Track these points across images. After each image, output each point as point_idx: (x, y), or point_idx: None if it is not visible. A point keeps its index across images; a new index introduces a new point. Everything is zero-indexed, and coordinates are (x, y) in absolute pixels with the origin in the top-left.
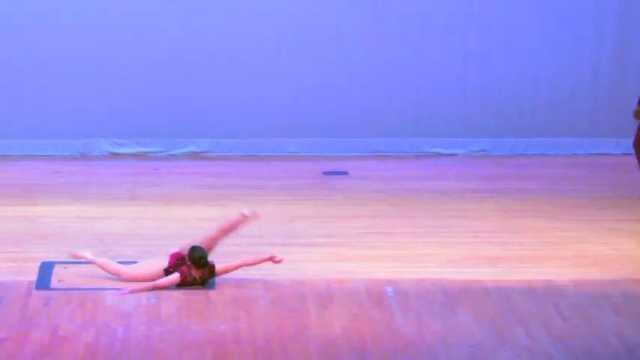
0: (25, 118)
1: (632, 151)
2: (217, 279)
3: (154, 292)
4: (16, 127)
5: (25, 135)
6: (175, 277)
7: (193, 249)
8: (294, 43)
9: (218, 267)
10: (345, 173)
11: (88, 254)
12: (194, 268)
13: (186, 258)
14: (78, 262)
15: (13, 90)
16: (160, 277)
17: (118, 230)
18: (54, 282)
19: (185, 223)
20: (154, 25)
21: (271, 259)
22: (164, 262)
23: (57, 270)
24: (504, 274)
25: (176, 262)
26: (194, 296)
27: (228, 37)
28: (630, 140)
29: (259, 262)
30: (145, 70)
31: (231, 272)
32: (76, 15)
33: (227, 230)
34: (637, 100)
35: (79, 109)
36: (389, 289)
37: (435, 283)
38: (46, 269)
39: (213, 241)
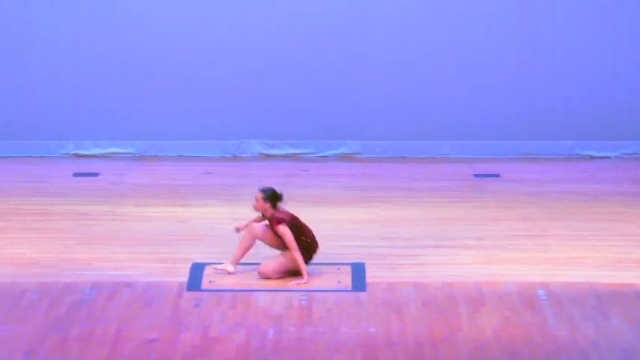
0: (178, 120)
1: None
2: (369, 281)
3: (305, 294)
4: (169, 128)
5: (177, 136)
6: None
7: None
8: (447, 47)
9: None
10: (496, 176)
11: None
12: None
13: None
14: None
15: (167, 93)
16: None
17: None
18: (205, 283)
19: (335, 224)
20: (308, 27)
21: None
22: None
23: (208, 271)
24: None
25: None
26: (345, 298)
27: (380, 39)
28: None
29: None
30: (296, 72)
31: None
32: (231, 18)
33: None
34: None
35: (231, 111)
36: (540, 291)
37: (587, 287)
38: (197, 270)
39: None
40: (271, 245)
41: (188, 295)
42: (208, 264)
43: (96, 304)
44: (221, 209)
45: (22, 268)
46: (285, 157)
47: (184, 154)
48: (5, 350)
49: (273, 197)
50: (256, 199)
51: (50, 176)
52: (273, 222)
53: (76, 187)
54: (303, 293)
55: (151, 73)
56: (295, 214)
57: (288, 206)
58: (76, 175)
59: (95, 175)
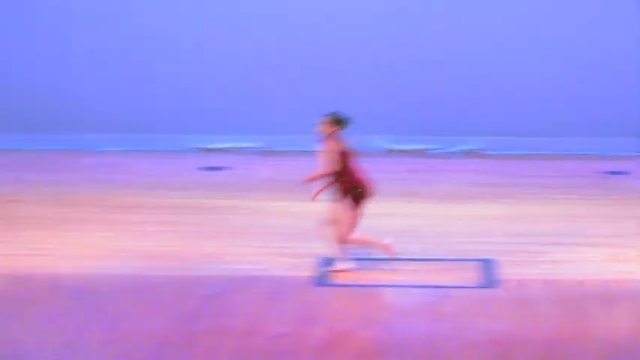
0: (305, 115)
1: None
2: (499, 278)
3: (434, 289)
4: (296, 123)
5: (304, 131)
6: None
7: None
8: (573, 44)
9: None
10: (626, 173)
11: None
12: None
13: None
14: (357, 258)
15: (294, 88)
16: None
17: (396, 227)
18: (333, 278)
19: (464, 221)
20: (438, 24)
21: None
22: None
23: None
24: None
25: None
26: (474, 294)
27: (506, 36)
28: None
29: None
30: (423, 68)
31: None
32: (360, 14)
33: None
34: None
35: (357, 106)
36: None
37: None
38: (325, 265)
39: None
40: None
41: (317, 290)
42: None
43: (226, 297)
44: None
45: (152, 262)
46: (410, 152)
47: (309, 149)
48: (136, 343)
49: (338, 122)
50: (322, 124)
51: (178, 170)
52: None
53: (203, 180)
54: (433, 289)
55: (279, 67)
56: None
57: (413, 202)
58: (204, 169)
59: (222, 169)
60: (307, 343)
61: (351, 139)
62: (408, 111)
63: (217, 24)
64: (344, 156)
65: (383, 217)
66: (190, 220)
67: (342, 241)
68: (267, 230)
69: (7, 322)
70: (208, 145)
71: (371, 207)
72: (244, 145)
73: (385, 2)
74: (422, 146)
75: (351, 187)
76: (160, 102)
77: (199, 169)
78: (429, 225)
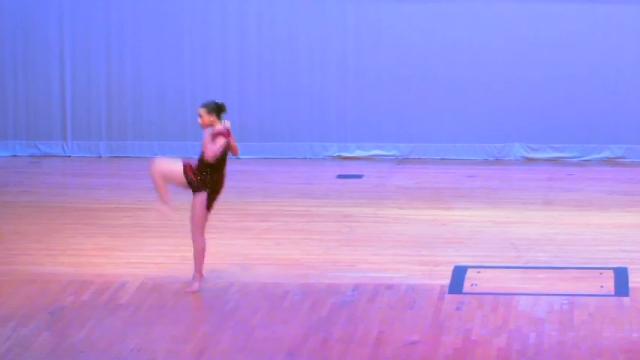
0: (440, 123)
1: None
2: (632, 286)
3: (566, 297)
4: (432, 131)
5: (440, 139)
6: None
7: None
8: None
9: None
10: None
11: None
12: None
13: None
14: (491, 266)
15: (430, 96)
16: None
17: (531, 235)
18: (466, 286)
19: (600, 229)
20: (571, 36)
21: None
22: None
23: (470, 274)
24: None
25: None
26: (607, 302)
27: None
28: None
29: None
30: (563, 78)
31: None
32: (500, 26)
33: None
34: None
35: (495, 114)
36: None
37: None
38: (459, 273)
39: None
40: None
41: (450, 298)
42: (470, 267)
43: (358, 305)
44: (483, 212)
45: (285, 269)
46: (548, 160)
47: (447, 157)
48: (267, 351)
49: (217, 109)
50: (200, 115)
51: (314, 178)
52: (222, 133)
53: (340, 188)
54: (564, 297)
55: (413, 76)
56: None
57: (549, 210)
58: (339, 177)
59: (359, 177)
60: (439, 351)
61: (489, 147)
62: (546, 119)
63: (356, 33)
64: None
65: (518, 224)
66: (325, 228)
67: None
68: (401, 238)
69: (138, 331)
70: (346, 153)
71: (507, 215)
72: (381, 153)
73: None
74: (560, 154)
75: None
76: (297, 110)
77: (338, 176)
78: (564, 233)
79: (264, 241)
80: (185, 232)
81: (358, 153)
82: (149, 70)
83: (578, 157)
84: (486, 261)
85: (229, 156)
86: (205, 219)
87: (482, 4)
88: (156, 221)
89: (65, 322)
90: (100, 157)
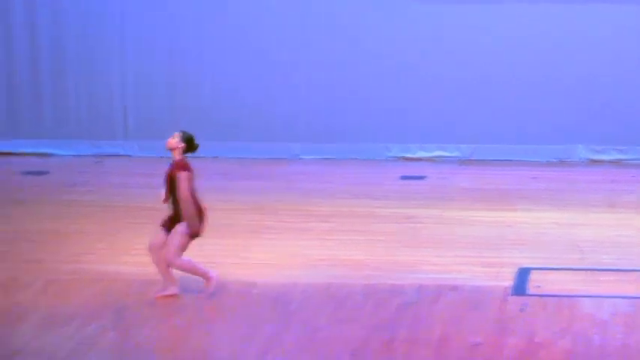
0: (503, 124)
1: None
2: None
3: (630, 300)
4: (495, 132)
5: (503, 140)
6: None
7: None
8: None
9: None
10: None
11: None
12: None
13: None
14: (554, 268)
15: (493, 97)
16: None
17: (595, 237)
18: (530, 288)
19: None
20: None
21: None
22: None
23: (534, 276)
24: None
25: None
26: None
27: None
28: None
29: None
30: (626, 78)
31: None
32: (558, 26)
33: None
34: None
35: (558, 115)
36: None
37: None
38: (522, 275)
39: None
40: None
41: (513, 300)
42: (534, 269)
43: (421, 306)
44: (547, 214)
45: (349, 270)
46: (612, 162)
47: (510, 159)
48: (331, 351)
49: (189, 141)
50: (173, 136)
51: (377, 179)
52: (178, 166)
53: (402, 190)
54: (629, 300)
55: (476, 77)
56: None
57: (612, 212)
58: (403, 178)
59: (421, 178)
60: (502, 353)
61: (553, 149)
62: (610, 120)
63: (419, 34)
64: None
65: (582, 226)
66: (388, 229)
67: (170, 265)
68: (465, 239)
69: (202, 330)
70: (409, 154)
71: (571, 217)
72: (443, 154)
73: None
74: (624, 156)
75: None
76: (360, 111)
77: (401, 177)
78: (627, 235)
79: (327, 241)
80: (244, 232)
81: (421, 154)
82: (209, 69)
83: None
84: (550, 263)
85: None
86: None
87: (541, 4)
88: (217, 221)
89: (129, 321)
90: (161, 157)
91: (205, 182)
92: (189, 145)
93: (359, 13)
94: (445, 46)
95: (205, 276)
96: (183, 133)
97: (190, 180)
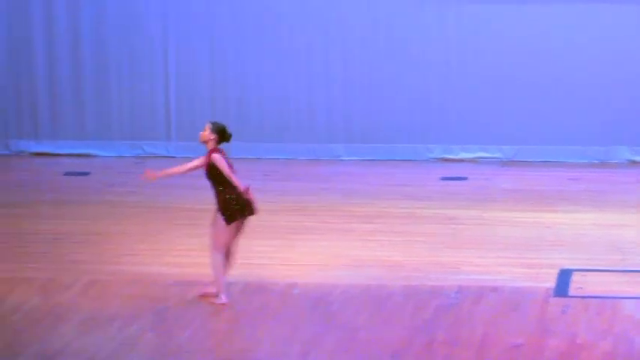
0: (544, 125)
1: None
2: None
3: None
4: (536, 133)
5: (544, 141)
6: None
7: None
8: None
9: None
10: None
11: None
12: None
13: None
14: (596, 269)
15: (534, 98)
16: None
17: (635, 239)
18: (572, 289)
19: None
20: None
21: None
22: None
23: (575, 277)
24: None
25: None
26: None
27: None
28: None
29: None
30: None
31: None
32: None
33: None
34: None
35: (599, 116)
36: None
37: None
38: (564, 276)
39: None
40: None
41: (555, 301)
42: (576, 270)
43: (462, 308)
44: (588, 215)
45: (388, 271)
46: None
47: (551, 160)
48: (371, 352)
49: (221, 132)
50: (204, 129)
51: (418, 180)
52: (210, 152)
53: (444, 190)
54: None
55: (517, 78)
56: None
57: None
58: (444, 179)
59: (463, 179)
60: (544, 354)
61: (594, 150)
62: None
63: (459, 35)
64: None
65: (623, 227)
66: (429, 230)
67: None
68: (506, 240)
69: (243, 331)
70: (450, 155)
71: (611, 218)
72: (485, 155)
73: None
74: None
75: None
76: (400, 112)
77: (442, 179)
78: None
79: (369, 242)
80: (286, 233)
81: (462, 155)
82: (252, 71)
83: None
84: (590, 264)
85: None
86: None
87: (583, 5)
88: (258, 222)
89: (170, 322)
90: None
91: (247, 183)
92: (221, 135)
93: (401, 15)
94: (488, 47)
95: (218, 292)
96: (214, 124)
97: (227, 162)
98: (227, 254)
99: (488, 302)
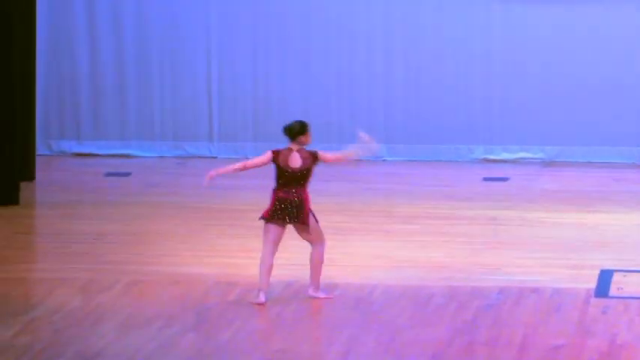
0: (586, 126)
1: None
2: None
3: None
4: (578, 134)
5: (586, 142)
6: (266, 154)
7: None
8: None
9: (321, 154)
10: None
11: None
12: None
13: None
14: (637, 270)
15: (576, 99)
16: None
17: None
18: (613, 290)
19: None
20: None
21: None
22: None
23: (616, 278)
24: None
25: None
26: None
27: None
28: None
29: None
30: None
31: None
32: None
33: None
34: None
35: (636, 115)
36: None
37: None
38: (605, 277)
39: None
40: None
41: (596, 302)
42: (617, 271)
43: (503, 309)
44: (630, 216)
45: (430, 272)
46: None
47: (593, 161)
48: (412, 353)
49: (287, 132)
50: (310, 134)
51: (460, 180)
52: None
53: (486, 191)
54: None
55: (560, 79)
56: None
57: None
58: (485, 179)
59: (505, 179)
60: (584, 355)
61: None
62: None
63: (502, 35)
64: None
65: None
66: (471, 231)
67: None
68: (548, 241)
69: (283, 332)
70: (492, 155)
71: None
72: (527, 155)
73: None
74: None
75: None
76: (442, 113)
77: (484, 179)
78: None
79: (410, 243)
80: (328, 234)
81: (504, 156)
82: (295, 72)
83: None
84: (632, 265)
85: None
86: None
87: (629, 6)
88: None
89: (211, 323)
90: (246, 157)
91: None
92: (289, 134)
93: (439, 14)
94: (529, 48)
95: (259, 288)
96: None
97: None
98: (274, 253)
99: (529, 303)
